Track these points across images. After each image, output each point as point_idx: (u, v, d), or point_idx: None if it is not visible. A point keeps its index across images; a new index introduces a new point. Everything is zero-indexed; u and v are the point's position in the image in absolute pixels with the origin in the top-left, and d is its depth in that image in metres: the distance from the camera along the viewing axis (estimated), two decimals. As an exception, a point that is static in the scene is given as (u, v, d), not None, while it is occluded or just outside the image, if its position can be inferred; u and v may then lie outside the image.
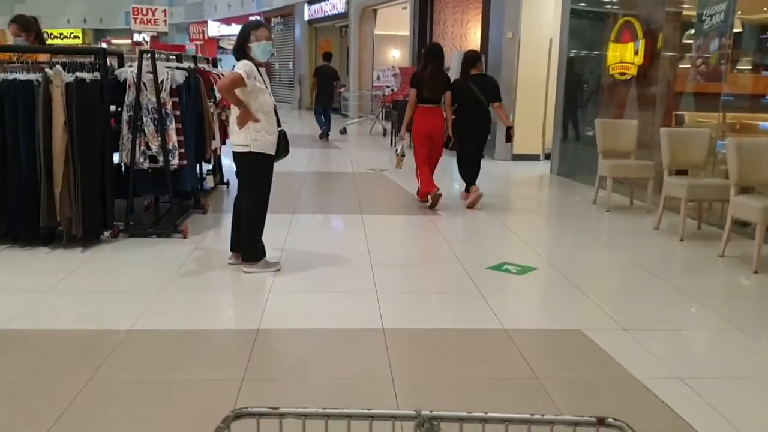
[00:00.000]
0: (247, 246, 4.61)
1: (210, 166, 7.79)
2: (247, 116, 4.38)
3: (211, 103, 6.71)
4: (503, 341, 3.48)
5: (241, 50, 4.46)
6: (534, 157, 10.91)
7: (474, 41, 15.61)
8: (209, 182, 7.86)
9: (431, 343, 3.50)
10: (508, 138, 7.49)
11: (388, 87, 15.23)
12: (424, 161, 6.90)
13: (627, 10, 8.19)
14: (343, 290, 4.30)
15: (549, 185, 9.04)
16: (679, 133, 5.96)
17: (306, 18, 23.73)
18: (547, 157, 10.87)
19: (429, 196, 6.82)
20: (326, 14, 22.18)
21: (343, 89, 21.31)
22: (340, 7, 21.02)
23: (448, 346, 3.46)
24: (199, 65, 7.37)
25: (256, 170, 4.49)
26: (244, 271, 4.60)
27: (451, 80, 7.26)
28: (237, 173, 4.62)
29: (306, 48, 24.22)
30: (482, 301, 4.09)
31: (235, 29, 31.30)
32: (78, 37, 38.41)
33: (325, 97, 13.61)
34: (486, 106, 7.13)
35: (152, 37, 20.19)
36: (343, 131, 15.04)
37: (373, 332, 3.55)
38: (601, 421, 1.06)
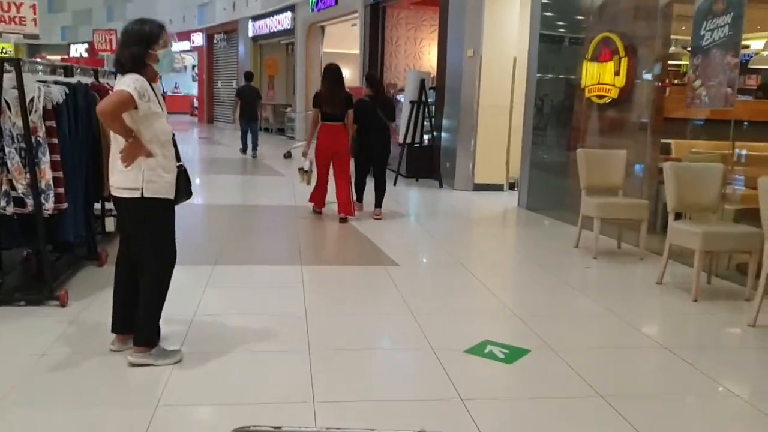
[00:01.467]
0: (142, 323, 3.37)
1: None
2: (137, 150, 3.18)
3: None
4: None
5: (136, 60, 3.24)
6: (497, 187, 9.86)
7: (429, 60, 14.63)
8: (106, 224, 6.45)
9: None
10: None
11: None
12: (324, 178, 7.22)
13: (606, 24, 7.23)
14: (268, 400, 3.02)
15: (519, 222, 7.95)
16: (688, 169, 4.92)
17: (250, 34, 22.46)
18: (512, 187, 9.87)
19: (313, 206, 7.46)
20: (271, 30, 20.95)
21: (288, 110, 20.14)
22: (286, 24, 19.83)
23: None
24: (102, 80, 6.04)
25: (151, 221, 3.34)
26: (131, 363, 3.30)
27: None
28: (120, 226, 3.53)
29: (250, 66, 22.88)
30: (466, 416, 2.88)
31: (176, 45, 29.96)
32: (7, 53, 36.13)
33: (249, 115, 14.34)
34: (386, 125, 7.42)
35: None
36: (288, 155, 13.77)
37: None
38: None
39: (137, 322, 3.35)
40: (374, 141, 7.38)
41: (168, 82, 32.99)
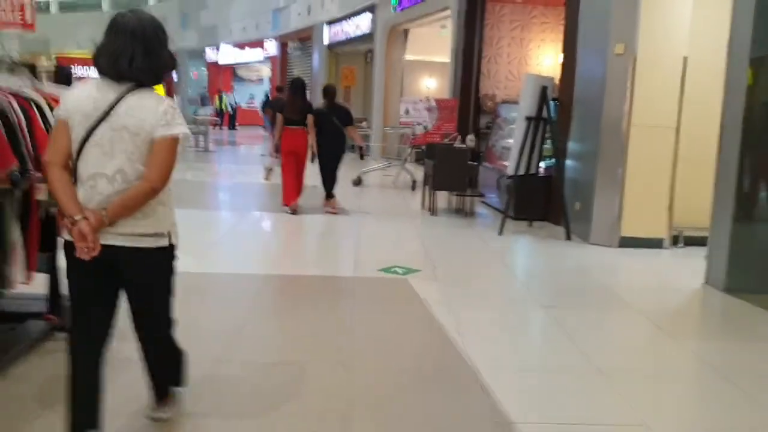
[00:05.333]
0: (171, 372, 2.77)
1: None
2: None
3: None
4: None
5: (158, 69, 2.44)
6: (654, 243, 6.79)
7: (537, 66, 11.69)
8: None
9: None
10: (361, 156, 10.13)
11: (419, 124, 11.32)
12: (290, 174, 8.09)
13: None
14: None
15: (725, 326, 4.86)
16: None
17: (326, 41, 20.11)
18: (675, 242, 6.80)
19: (289, 207, 8.02)
20: (348, 36, 18.52)
21: (363, 124, 17.58)
22: (365, 27, 17.33)
23: None
24: (41, 86, 3.61)
25: (173, 275, 2.59)
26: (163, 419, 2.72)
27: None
28: (139, 291, 2.52)
29: (325, 76, 20.53)
30: None
31: (250, 54, 28.20)
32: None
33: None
34: (341, 129, 8.42)
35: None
36: (358, 182, 11.10)
37: None
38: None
39: (165, 377, 2.75)
40: (329, 144, 8.32)
41: (242, 94, 31.29)
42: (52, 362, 3.30)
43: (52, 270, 3.69)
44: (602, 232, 6.87)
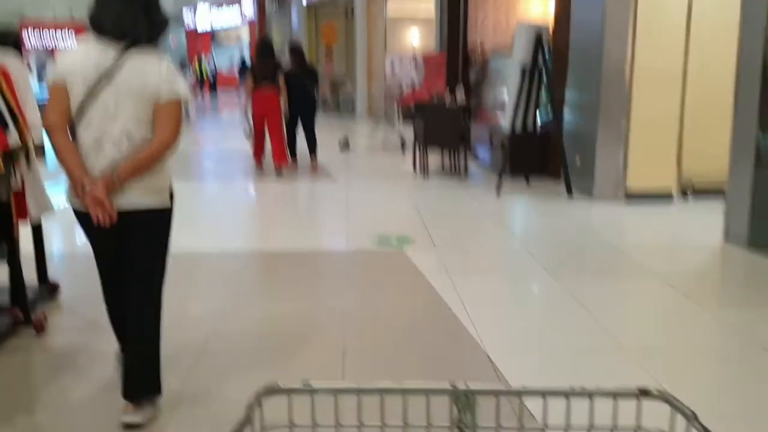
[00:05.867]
0: (152, 370, 2.50)
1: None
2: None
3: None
4: None
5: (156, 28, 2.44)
6: (663, 197, 6.39)
7: (525, 12, 11.09)
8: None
9: None
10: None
11: (406, 83, 10.78)
12: (260, 134, 8.12)
13: None
14: None
15: (756, 289, 4.47)
16: None
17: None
18: (684, 194, 6.41)
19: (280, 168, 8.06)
20: (327, -9, 17.73)
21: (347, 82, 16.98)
22: (344, -19, 16.56)
23: None
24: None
25: (168, 239, 2.53)
26: (131, 424, 2.39)
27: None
28: (135, 250, 2.44)
29: (305, 35, 19.79)
30: None
31: (228, 17, 27.19)
32: (61, 33, 34.34)
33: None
34: (309, 88, 8.49)
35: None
36: (345, 145, 10.58)
37: None
38: (643, 392, 1.02)
39: (138, 371, 2.46)
40: (300, 102, 8.21)
41: (222, 57, 30.31)
42: (11, 365, 2.91)
43: (13, 259, 3.29)
44: (606, 187, 6.45)
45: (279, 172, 7.99)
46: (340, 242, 5.14)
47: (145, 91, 2.28)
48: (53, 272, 3.81)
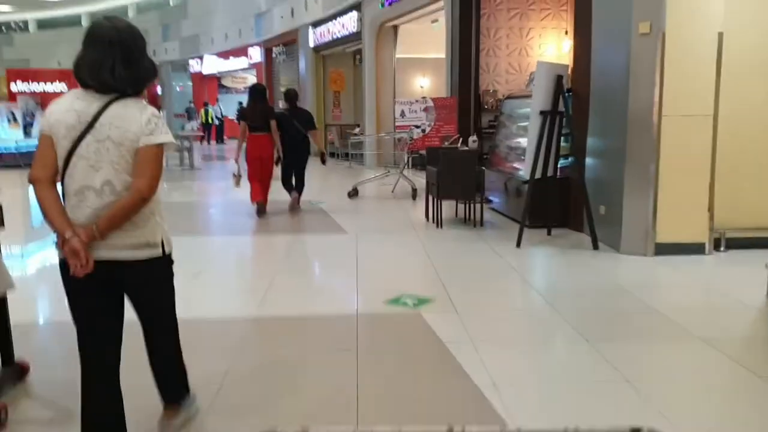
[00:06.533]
0: (180, 376, 2.80)
1: None
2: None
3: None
4: None
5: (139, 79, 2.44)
6: (694, 249, 5.96)
7: (537, 57, 10.86)
8: None
9: None
10: (323, 161, 9.52)
11: (417, 126, 10.48)
12: (254, 179, 8.32)
13: None
14: None
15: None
16: None
17: (311, 44, 19.26)
18: (717, 245, 5.99)
19: (255, 204, 8.36)
20: (335, 36, 17.67)
21: (356, 130, 16.76)
22: (352, 27, 16.48)
23: None
24: None
25: (171, 280, 2.62)
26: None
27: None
28: (142, 302, 2.53)
29: (312, 81, 19.72)
30: None
31: (234, 63, 27.24)
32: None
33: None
34: (303, 132, 8.66)
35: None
36: (353, 193, 10.24)
37: None
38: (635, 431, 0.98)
39: (174, 380, 2.77)
40: (292, 147, 8.56)
41: (229, 104, 30.35)
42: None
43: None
44: (635, 239, 6.02)
45: (260, 210, 8.30)
46: (350, 304, 4.69)
47: (125, 141, 2.28)
48: (22, 351, 3.37)
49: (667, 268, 5.65)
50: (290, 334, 4.17)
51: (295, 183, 8.82)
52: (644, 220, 5.97)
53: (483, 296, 4.94)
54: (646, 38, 5.85)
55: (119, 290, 2.44)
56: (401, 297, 4.70)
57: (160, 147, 2.32)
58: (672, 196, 5.92)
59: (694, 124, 5.87)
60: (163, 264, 2.49)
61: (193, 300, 4.45)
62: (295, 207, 8.73)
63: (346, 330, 4.12)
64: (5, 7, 38.02)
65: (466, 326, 4.13)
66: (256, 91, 8.55)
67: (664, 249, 5.94)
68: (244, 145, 8.29)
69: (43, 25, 41.59)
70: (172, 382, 2.75)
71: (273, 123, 8.21)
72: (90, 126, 2.26)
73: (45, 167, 2.28)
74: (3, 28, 43.29)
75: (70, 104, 2.31)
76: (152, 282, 2.49)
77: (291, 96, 9.01)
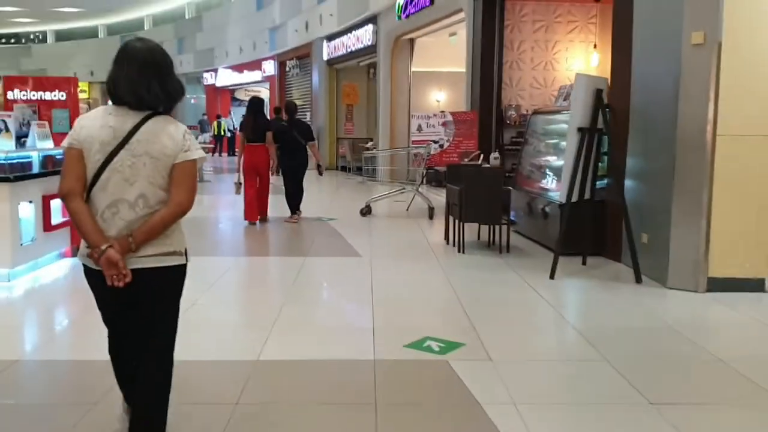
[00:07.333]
0: (156, 414, 2.54)
1: None
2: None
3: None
4: None
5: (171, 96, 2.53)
6: (752, 285, 5.31)
7: (565, 71, 10.28)
8: None
9: None
10: (320, 173, 9.71)
11: (435, 142, 9.90)
12: (251, 189, 8.60)
13: None
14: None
15: None
16: None
17: (325, 57, 18.82)
18: (779, 282, 5.32)
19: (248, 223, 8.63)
20: (349, 50, 17.23)
21: (369, 144, 16.20)
22: (367, 40, 16.01)
23: None
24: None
25: (181, 290, 2.64)
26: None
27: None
28: (154, 306, 2.54)
29: (325, 94, 19.25)
30: None
31: (248, 76, 26.85)
32: (84, 91, 34.47)
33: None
34: (303, 145, 8.92)
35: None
36: (367, 210, 9.66)
37: None
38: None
39: (149, 418, 2.52)
40: (291, 158, 8.87)
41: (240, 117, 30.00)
42: None
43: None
44: (684, 273, 5.38)
45: (260, 220, 8.74)
46: (366, 346, 4.06)
47: (162, 157, 2.37)
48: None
49: (723, 307, 5.00)
50: (299, 383, 3.55)
51: (294, 191, 9.03)
52: (695, 251, 5.33)
53: (519, 340, 4.29)
54: (699, 49, 5.24)
55: (137, 297, 2.46)
56: (424, 340, 4.08)
57: (194, 162, 2.42)
58: (727, 224, 5.28)
59: (753, 145, 5.24)
60: (183, 272, 2.54)
61: (185, 336, 3.85)
62: (291, 221, 8.96)
63: (359, 383, 3.49)
64: (26, 19, 38.06)
65: (503, 378, 3.50)
66: (252, 105, 8.91)
67: (717, 284, 5.30)
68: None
69: (60, 36, 41.61)
70: (150, 418, 2.51)
71: (269, 135, 8.63)
72: (125, 141, 2.34)
73: (78, 180, 2.34)
74: (23, 39, 43.43)
75: (104, 120, 2.37)
76: (168, 287, 2.53)
77: (290, 108, 9.39)
